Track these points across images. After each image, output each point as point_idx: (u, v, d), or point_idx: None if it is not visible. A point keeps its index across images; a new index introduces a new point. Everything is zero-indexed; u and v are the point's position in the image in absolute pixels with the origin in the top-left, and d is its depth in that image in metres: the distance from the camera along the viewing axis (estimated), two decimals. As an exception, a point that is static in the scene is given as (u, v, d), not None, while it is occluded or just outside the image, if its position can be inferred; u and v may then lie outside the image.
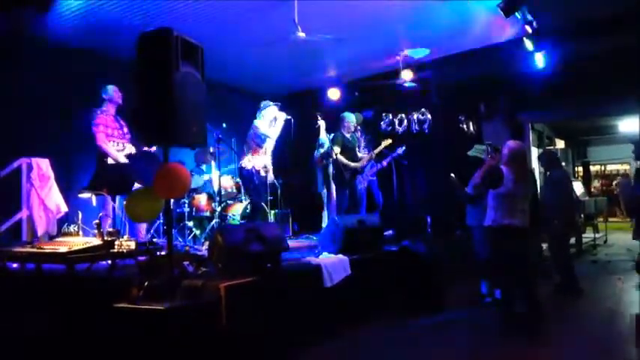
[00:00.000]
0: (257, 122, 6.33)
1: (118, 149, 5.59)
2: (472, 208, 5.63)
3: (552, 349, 4.33)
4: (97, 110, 5.54)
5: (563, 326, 4.88)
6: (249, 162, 6.27)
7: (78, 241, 4.19)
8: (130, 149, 5.72)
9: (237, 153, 6.95)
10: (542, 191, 6.41)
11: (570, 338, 4.51)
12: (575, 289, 6.06)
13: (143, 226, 5.85)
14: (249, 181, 6.30)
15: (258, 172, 6.34)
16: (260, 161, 6.35)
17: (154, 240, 5.26)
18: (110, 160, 5.47)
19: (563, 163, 9.84)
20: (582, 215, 9.75)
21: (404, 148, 7.44)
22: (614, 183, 15.80)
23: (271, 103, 6.42)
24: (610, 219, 12.95)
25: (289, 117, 6.42)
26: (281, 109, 6.46)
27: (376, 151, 7.46)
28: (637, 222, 4.96)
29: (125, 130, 5.78)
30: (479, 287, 5.71)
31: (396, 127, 8.92)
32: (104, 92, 5.63)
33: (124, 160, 5.53)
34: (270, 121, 6.33)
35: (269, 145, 6.43)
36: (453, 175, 5.79)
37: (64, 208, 5.61)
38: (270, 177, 6.73)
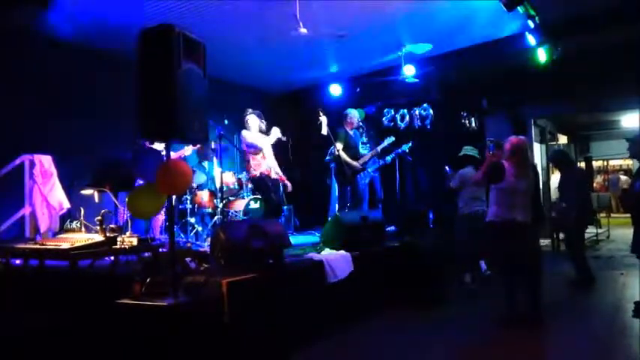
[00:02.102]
0: (244, 133, 6.56)
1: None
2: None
3: (553, 345, 4.33)
4: None
5: (564, 322, 4.87)
6: (255, 170, 6.48)
7: (80, 237, 4.19)
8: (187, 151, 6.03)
9: (239, 149, 6.96)
10: (559, 186, 6.57)
11: (572, 334, 4.51)
12: (589, 279, 6.20)
13: (159, 223, 5.95)
14: (263, 185, 6.49)
15: (268, 175, 6.50)
16: (264, 165, 6.52)
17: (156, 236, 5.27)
18: None
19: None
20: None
21: (409, 144, 7.43)
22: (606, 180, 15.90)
23: (250, 110, 6.66)
24: (612, 214, 12.91)
25: (282, 137, 6.67)
26: (259, 115, 6.68)
27: (379, 147, 7.45)
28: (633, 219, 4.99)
29: None
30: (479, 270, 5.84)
31: (398, 122, 8.91)
32: None
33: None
34: (258, 128, 6.58)
35: (266, 150, 6.60)
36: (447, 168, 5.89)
37: (67, 205, 5.61)
38: (289, 185, 6.91)
